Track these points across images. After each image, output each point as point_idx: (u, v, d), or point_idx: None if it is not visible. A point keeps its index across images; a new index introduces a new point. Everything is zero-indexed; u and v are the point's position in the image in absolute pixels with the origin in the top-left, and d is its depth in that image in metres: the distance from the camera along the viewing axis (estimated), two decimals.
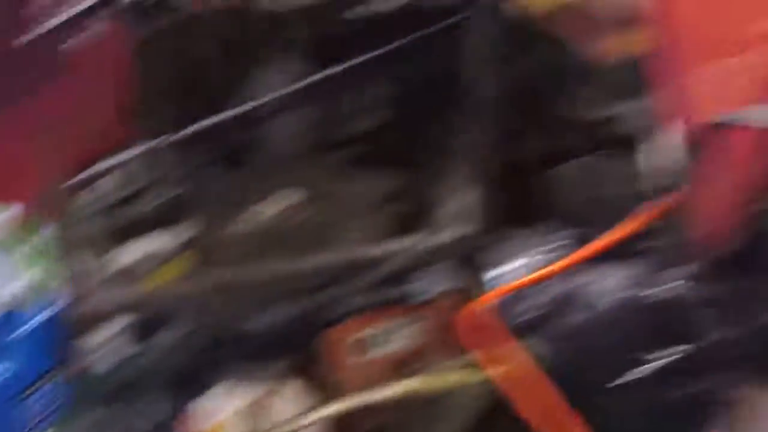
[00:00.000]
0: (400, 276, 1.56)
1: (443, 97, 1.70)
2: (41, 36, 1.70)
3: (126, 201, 1.78)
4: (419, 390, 1.49)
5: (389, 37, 1.72)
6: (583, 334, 1.39)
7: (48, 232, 1.75)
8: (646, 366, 1.32)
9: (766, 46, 1.27)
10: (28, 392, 1.65)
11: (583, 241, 1.56)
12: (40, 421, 1.67)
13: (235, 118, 1.75)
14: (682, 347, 1.32)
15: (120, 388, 1.67)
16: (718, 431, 1.30)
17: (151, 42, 1.75)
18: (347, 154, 1.76)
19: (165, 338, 1.62)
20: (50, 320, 1.69)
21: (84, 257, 1.72)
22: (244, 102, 1.76)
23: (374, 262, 1.56)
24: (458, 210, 1.59)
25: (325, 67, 1.75)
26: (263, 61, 1.78)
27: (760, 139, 1.19)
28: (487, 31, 1.67)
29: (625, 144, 1.53)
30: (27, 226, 1.78)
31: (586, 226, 1.58)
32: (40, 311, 1.70)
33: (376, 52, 1.72)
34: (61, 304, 1.68)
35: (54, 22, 1.71)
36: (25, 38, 1.69)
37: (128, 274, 1.70)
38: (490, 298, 1.46)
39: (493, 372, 1.40)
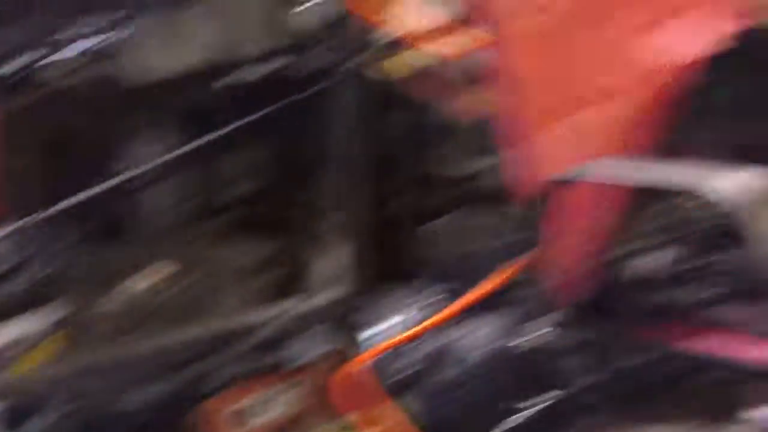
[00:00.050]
0: (275, 342, 1.56)
1: (314, 160, 1.72)
2: None
3: None
4: None
5: (259, 104, 1.74)
6: (456, 388, 1.41)
7: None
8: (518, 415, 1.35)
9: (607, 103, 1.33)
10: None
11: (454, 295, 1.59)
12: None
13: (108, 190, 1.74)
14: (551, 394, 1.34)
15: None
16: None
17: (19, 117, 1.73)
18: (223, 221, 1.76)
19: (37, 425, 1.57)
20: None
21: None
22: (117, 174, 1.75)
23: (249, 330, 1.56)
24: (332, 272, 1.60)
25: (198, 135, 1.75)
26: (135, 132, 1.78)
27: (605, 193, 1.24)
28: (352, 96, 1.71)
29: (490, 199, 1.57)
30: None
31: (457, 280, 1.61)
32: None
33: (247, 120, 1.74)
34: None
35: None
36: None
37: None
38: (365, 359, 1.47)
39: None
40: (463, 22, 1.45)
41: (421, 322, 1.53)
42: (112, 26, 1.74)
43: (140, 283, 1.65)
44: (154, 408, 1.54)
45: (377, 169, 1.69)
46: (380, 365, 1.47)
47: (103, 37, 1.74)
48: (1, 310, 1.67)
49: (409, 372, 1.44)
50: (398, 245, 1.67)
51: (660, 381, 1.20)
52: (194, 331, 1.58)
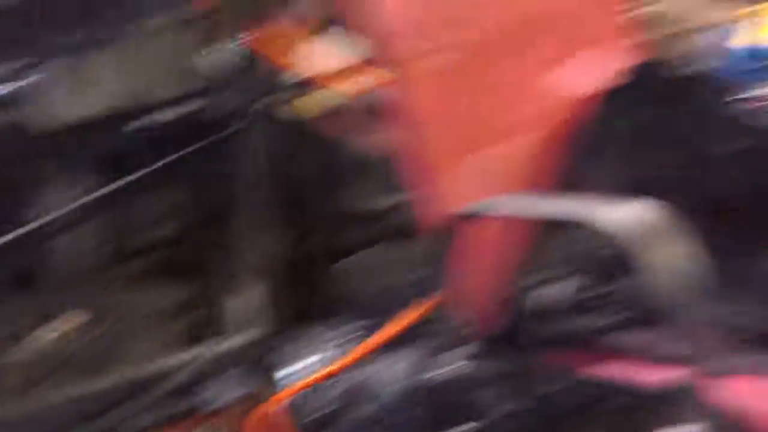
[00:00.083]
0: (191, 386, 1.55)
1: (227, 202, 1.72)
2: None
3: None
4: None
5: (170, 148, 1.74)
6: (373, 425, 1.41)
7: None
8: None
9: (510, 139, 1.36)
10: None
11: (370, 331, 1.60)
12: None
13: (19, 238, 1.71)
14: (467, 426, 1.36)
15: None
16: None
17: None
18: (137, 266, 1.74)
19: None
20: None
21: None
22: (27, 221, 1.72)
23: (164, 375, 1.54)
24: (247, 314, 1.60)
25: (110, 180, 1.74)
26: (45, 179, 1.76)
27: (509, 227, 1.26)
28: (263, 137, 1.72)
29: (401, 235, 1.59)
30: None
31: (372, 316, 1.62)
32: None
33: (159, 164, 1.73)
34: None
35: None
36: None
37: None
38: (281, 398, 1.47)
39: None
40: (369, 62, 1.47)
41: (337, 359, 1.53)
42: (19, 73, 1.73)
43: (51, 332, 1.62)
44: None
45: (291, 208, 1.70)
46: (297, 404, 1.46)
47: (9, 84, 1.72)
48: None
49: (326, 410, 1.44)
50: (314, 283, 1.67)
51: (569, 408, 1.22)
52: (108, 380, 1.56)
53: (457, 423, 1.36)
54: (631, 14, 2.24)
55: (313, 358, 1.57)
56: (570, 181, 1.34)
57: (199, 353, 1.57)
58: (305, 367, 1.55)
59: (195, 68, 1.76)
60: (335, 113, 1.69)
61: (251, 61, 1.74)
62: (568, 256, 1.24)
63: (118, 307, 1.67)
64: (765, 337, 1.14)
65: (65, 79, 1.71)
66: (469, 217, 1.26)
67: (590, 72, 1.44)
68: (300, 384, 1.47)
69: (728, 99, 1.45)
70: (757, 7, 2.36)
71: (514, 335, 1.29)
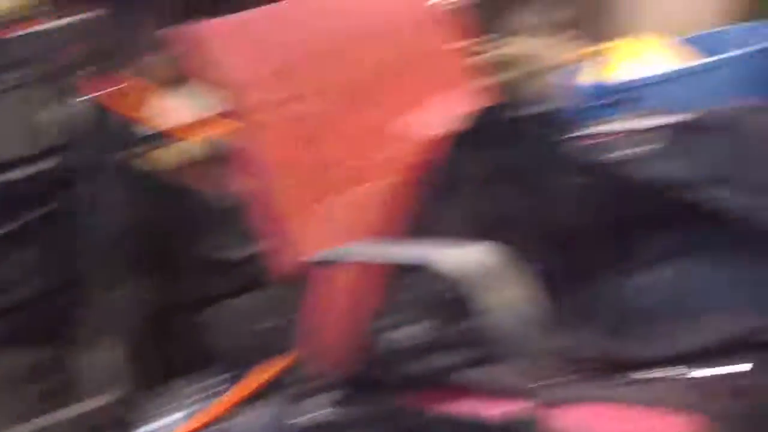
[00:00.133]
0: None
1: (84, 260, 1.68)
2: None
3: None
4: None
5: (22, 208, 1.70)
6: None
7: None
8: None
9: (362, 185, 1.39)
10: None
11: (234, 383, 1.59)
12: None
13: None
14: None
15: None
16: None
17: None
18: None
19: None
20: None
21: None
22: None
23: None
24: (106, 374, 1.56)
25: None
26: None
27: (361, 273, 1.29)
28: (121, 190, 1.70)
29: (261, 282, 1.59)
30: None
31: (236, 367, 1.61)
32: None
33: (10, 225, 1.69)
34: None
35: None
36: None
37: None
38: None
39: None
40: (220, 113, 1.47)
41: (200, 414, 1.51)
42: None
43: None
44: None
45: (151, 260, 1.68)
46: None
47: None
48: None
49: None
50: (176, 337, 1.65)
51: None
52: None
53: None
54: (481, 58, 2.33)
55: (176, 415, 1.55)
56: (421, 225, 1.37)
57: (57, 418, 1.53)
58: (167, 425, 1.53)
59: (47, 125, 1.73)
60: (191, 164, 1.68)
61: (104, 115, 1.72)
62: (420, 298, 1.27)
63: None
64: (605, 365, 1.19)
65: None
66: (321, 265, 1.27)
67: (438, 116, 1.48)
68: None
69: (570, 136, 1.51)
70: (601, 46, 2.48)
71: (371, 379, 1.30)
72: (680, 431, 1.05)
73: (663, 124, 1.44)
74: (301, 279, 1.29)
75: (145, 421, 1.51)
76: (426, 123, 1.48)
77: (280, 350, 1.55)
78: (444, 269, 1.06)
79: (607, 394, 1.12)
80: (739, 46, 2.21)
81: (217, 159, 1.64)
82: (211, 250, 1.71)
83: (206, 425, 1.47)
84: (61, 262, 1.69)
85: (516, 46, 2.42)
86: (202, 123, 1.69)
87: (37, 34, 1.72)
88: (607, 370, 1.18)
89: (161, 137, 1.72)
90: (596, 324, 1.26)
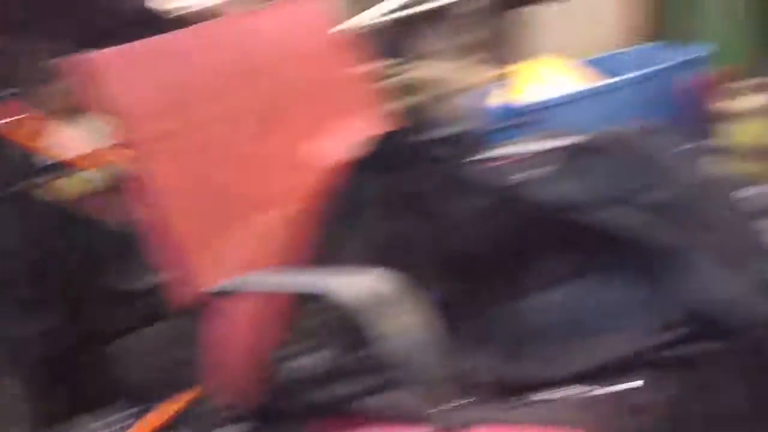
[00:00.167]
0: None
1: None
2: None
3: None
4: None
5: None
6: None
7: None
8: None
9: (263, 213, 1.38)
10: None
11: (139, 418, 1.56)
12: None
13: None
14: None
15: None
16: None
17: None
18: None
19: None
20: None
21: None
22: None
23: None
24: (4, 414, 1.52)
25: None
26: None
27: (262, 302, 1.28)
28: (21, 221, 1.66)
29: (163, 315, 1.56)
30: None
31: (141, 402, 1.59)
32: None
33: None
34: None
35: None
36: None
37: None
38: None
39: None
40: (116, 144, 1.45)
41: None
42: None
43: None
44: None
45: (54, 293, 1.64)
46: None
47: None
48: None
49: None
50: (82, 371, 1.62)
51: None
52: None
53: None
54: (388, 82, 2.35)
55: None
56: (324, 252, 1.37)
57: None
58: None
59: None
60: (92, 194, 1.65)
61: (1, 145, 1.68)
62: (321, 326, 1.26)
63: None
64: (503, 387, 1.20)
65: None
66: (220, 296, 1.26)
67: (341, 142, 1.48)
68: None
69: (472, 160, 1.53)
70: (507, 68, 2.52)
71: (276, 409, 1.29)
72: None
73: (559, 147, 1.47)
74: (201, 310, 1.28)
75: None
76: (328, 149, 1.48)
77: (187, 383, 1.53)
78: (340, 298, 1.06)
79: (504, 416, 1.13)
80: (640, 67, 2.27)
81: (117, 189, 1.61)
82: (115, 281, 1.68)
83: None
84: None
85: (424, 70, 2.44)
86: (100, 153, 1.67)
87: None
88: (505, 392, 1.19)
89: (61, 167, 1.69)
90: (494, 347, 1.28)
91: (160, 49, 1.43)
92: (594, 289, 1.30)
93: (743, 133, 2.23)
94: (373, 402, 1.18)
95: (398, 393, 1.12)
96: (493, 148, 1.59)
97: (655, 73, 2.22)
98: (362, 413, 1.19)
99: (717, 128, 2.24)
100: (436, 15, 2.47)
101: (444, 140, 1.55)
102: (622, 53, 2.50)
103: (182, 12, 1.99)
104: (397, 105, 1.95)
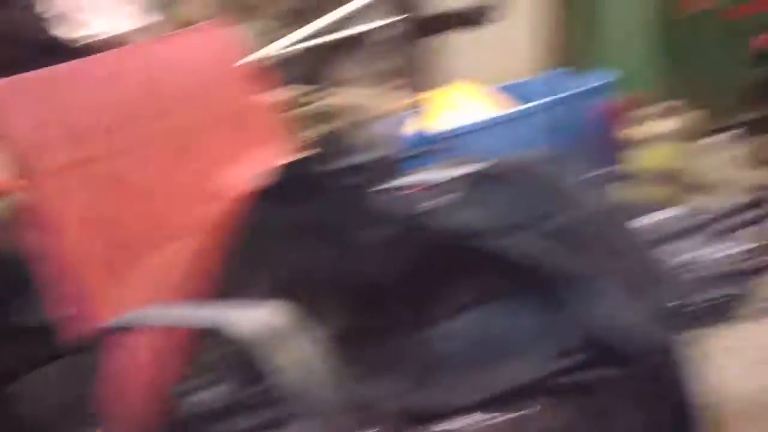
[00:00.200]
0: None
1: None
2: None
3: None
4: None
5: None
6: None
7: None
8: None
9: (166, 246, 1.36)
10: None
11: None
12: None
13: None
14: None
15: None
16: None
17: None
18: None
19: None
20: None
21: None
22: None
23: None
24: None
25: None
26: None
27: (160, 337, 1.25)
28: None
29: (64, 350, 1.53)
30: None
31: None
32: None
33: None
34: None
35: None
36: None
37: None
38: None
39: None
40: (16, 175, 1.42)
41: None
42: None
43: None
44: None
45: None
46: None
47: None
48: None
49: None
50: None
51: None
52: None
53: None
54: (303, 110, 2.35)
55: None
56: (227, 284, 1.35)
57: None
58: None
59: None
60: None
61: None
62: (220, 360, 1.25)
63: None
64: (407, 416, 1.20)
65: None
66: (118, 330, 1.24)
67: (247, 172, 1.47)
68: None
69: (380, 188, 1.54)
70: (422, 95, 2.55)
71: None
72: None
73: (464, 174, 1.48)
74: (100, 345, 1.25)
75: None
76: (234, 180, 1.47)
77: (89, 420, 1.49)
78: (234, 332, 1.05)
79: None
80: (550, 94, 2.31)
81: (16, 221, 1.57)
82: (16, 317, 1.64)
83: None
84: None
85: (340, 97, 2.45)
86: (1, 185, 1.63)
87: None
88: (410, 421, 1.19)
89: None
90: (400, 376, 1.28)
91: (61, 78, 1.40)
92: (497, 317, 1.31)
93: (651, 158, 2.29)
94: None
95: (296, 426, 1.11)
96: (403, 175, 1.60)
97: (564, 100, 2.26)
98: None
99: (625, 154, 2.29)
100: (351, 42, 2.48)
101: (354, 169, 1.55)
102: (534, 80, 2.55)
103: (89, 40, 1.96)
104: (311, 133, 1.95)
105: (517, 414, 1.15)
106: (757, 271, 1.88)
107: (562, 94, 2.29)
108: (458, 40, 2.58)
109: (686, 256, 1.85)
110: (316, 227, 1.45)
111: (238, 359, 1.20)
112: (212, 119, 1.55)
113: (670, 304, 1.28)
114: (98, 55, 1.53)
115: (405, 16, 2.38)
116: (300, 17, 2.52)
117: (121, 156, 1.41)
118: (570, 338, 1.22)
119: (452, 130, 2.26)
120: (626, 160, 2.29)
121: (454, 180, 1.49)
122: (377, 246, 1.44)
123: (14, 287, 1.66)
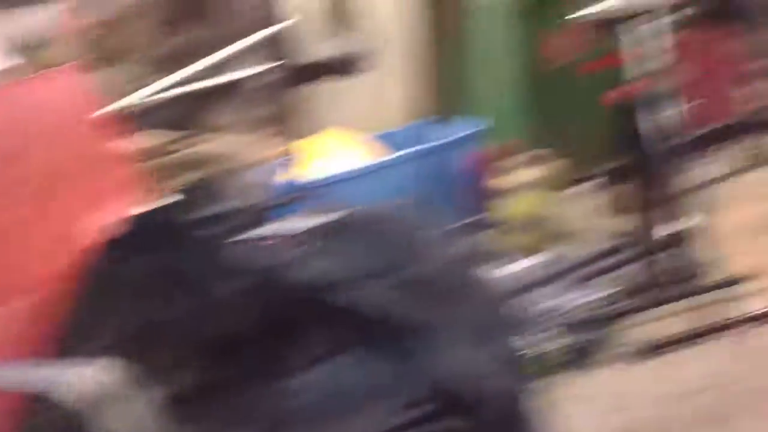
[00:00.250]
0: None
1: None
2: None
3: None
4: None
5: None
6: None
7: None
8: None
9: (11, 300, 1.31)
10: None
11: None
12: None
13: None
14: None
15: None
16: None
17: None
18: None
19: None
20: None
21: None
22: None
23: None
24: None
25: None
26: None
27: None
28: None
29: None
30: None
31: None
32: None
33: None
34: None
35: None
36: None
37: None
38: None
39: None
40: None
41: None
42: None
43: None
44: None
45: None
46: None
47: None
48: None
49: None
50: None
51: None
52: None
53: None
54: (169, 157, 2.31)
55: None
56: (75, 338, 1.31)
57: None
58: None
59: None
60: None
61: None
62: (51, 424, 1.20)
63: None
64: None
65: None
66: None
67: (98, 223, 1.43)
68: None
69: (240, 238, 1.52)
70: (297, 143, 2.55)
71: None
72: None
73: (322, 224, 1.48)
74: None
75: None
76: (86, 229, 1.43)
77: None
78: (60, 395, 1.01)
79: None
80: (422, 142, 2.35)
81: None
82: None
83: None
84: None
85: (211, 144, 2.42)
86: None
87: None
88: None
89: None
90: (252, 429, 1.25)
91: None
92: (348, 368, 1.30)
93: (517, 206, 2.33)
94: None
95: None
96: (268, 225, 1.58)
97: (434, 149, 2.29)
98: None
99: (492, 202, 2.33)
100: (224, 89, 2.47)
101: (215, 218, 1.53)
102: (406, 128, 2.58)
103: None
104: (177, 181, 1.92)
105: None
106: (614, 318, 1.92)
107: (433, 143, 2.32)
108: (331, 88, 2.60)
109: (547, 304, 1.89)
110: (172, 277, 1.41)
111: (67, 423, 1.15)
112: (68, 166, 1.51)
113: (520, 353, 1.30)
114: None
115: (279, 63, 2.39)
116: (173, 62, 2.50)
117: None
118: (419, 389, 1.22)
119: (324, 179, 2.26)
120: (493, 208, 2.33)
121: (311, 230, 1.49)
122: (232, 297, 1.41)
123: None
